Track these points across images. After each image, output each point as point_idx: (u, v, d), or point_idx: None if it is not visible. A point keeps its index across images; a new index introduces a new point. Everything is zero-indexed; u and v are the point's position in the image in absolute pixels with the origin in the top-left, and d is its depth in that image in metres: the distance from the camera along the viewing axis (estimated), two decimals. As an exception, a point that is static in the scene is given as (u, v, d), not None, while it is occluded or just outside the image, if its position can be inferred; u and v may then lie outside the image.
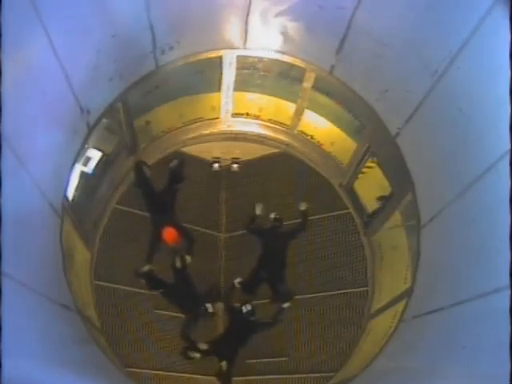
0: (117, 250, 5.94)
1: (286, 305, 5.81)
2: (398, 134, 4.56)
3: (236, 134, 6.33)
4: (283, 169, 6.56)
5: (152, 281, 5.75)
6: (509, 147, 2.81)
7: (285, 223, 6.41)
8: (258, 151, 6.60)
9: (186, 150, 6.38)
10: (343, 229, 6.26)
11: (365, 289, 5.97)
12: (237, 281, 5.94)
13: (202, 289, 5.90)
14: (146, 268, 5.73)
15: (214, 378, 5.92)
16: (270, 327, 5.82)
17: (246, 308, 5.60)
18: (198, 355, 5.65)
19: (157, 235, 5.80)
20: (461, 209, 3.71)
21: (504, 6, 2.80)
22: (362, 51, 4.28)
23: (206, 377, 5.97)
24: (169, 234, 5.70)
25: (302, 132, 6.15)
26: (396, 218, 5.16)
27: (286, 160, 6.51)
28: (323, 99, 5.41)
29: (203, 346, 5.62)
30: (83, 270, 5.28)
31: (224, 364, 5.58)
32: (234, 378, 5.94)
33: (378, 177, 5.41)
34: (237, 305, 5.76)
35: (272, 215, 5.96)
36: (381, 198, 5.56)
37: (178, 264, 5.69)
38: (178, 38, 4.57)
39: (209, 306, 5.69)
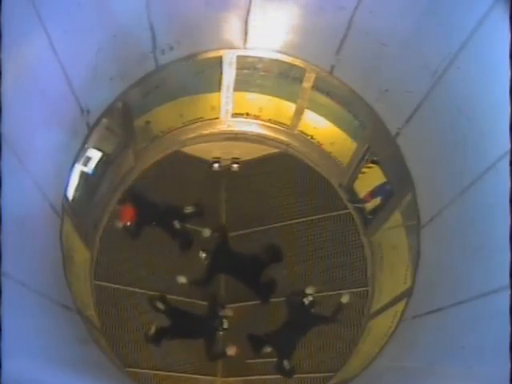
0: (117, 250, 5.95)
1: (345, 300, 5.88)
2: (397, 133, 4.55)
3: (236, 133, 6.31)
4: (283, 169, 6.57)
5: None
6: (509, 147, 2.81)
7: (284, 223, 6.44)
8: (258, 151, 6.60)
9: (186, 149, 6.38)
10: (343, 229, 6.27)
11: (365, 289, 5.98)
12: None
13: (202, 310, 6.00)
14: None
15: (213, 378, 5.92)
16: (327, 322, 5.92)
17: (307, 300, 5.76)
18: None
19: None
20: (461, 209, 3.71)
21: (504, 6, 2.80)
22: (362, 51, 4.27)
23: (205, 377, 5.98)
24: (127, 212, 5.92)
25: (302, 132, 6.13)
26: (396, 217, 5.15)
27: (285, 160, 6.50)
28: (323, 99, 5.40)
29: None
30: (83, 270, 5.27)
31: (286, 363, 5.75)
32: (234, 378, 5.95)
33: (378, 177, 5.40)
34: (296, 297, 5.87)
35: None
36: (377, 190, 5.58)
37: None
38: (178, 37, 4.56)
39: (224, 321, 5.80)
